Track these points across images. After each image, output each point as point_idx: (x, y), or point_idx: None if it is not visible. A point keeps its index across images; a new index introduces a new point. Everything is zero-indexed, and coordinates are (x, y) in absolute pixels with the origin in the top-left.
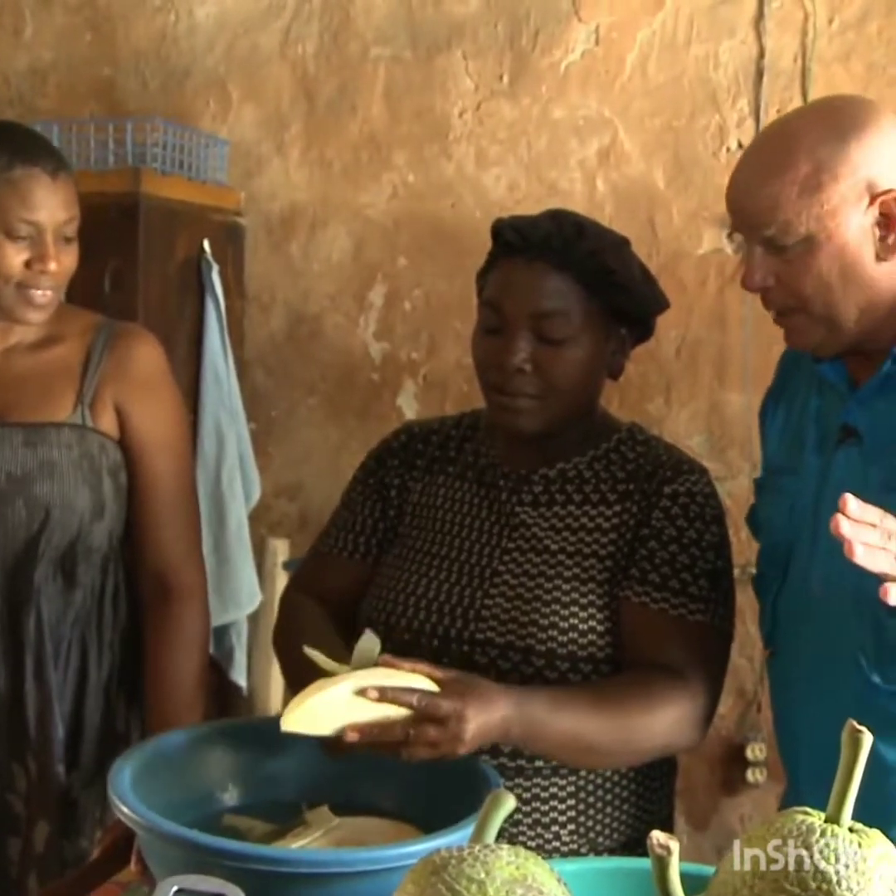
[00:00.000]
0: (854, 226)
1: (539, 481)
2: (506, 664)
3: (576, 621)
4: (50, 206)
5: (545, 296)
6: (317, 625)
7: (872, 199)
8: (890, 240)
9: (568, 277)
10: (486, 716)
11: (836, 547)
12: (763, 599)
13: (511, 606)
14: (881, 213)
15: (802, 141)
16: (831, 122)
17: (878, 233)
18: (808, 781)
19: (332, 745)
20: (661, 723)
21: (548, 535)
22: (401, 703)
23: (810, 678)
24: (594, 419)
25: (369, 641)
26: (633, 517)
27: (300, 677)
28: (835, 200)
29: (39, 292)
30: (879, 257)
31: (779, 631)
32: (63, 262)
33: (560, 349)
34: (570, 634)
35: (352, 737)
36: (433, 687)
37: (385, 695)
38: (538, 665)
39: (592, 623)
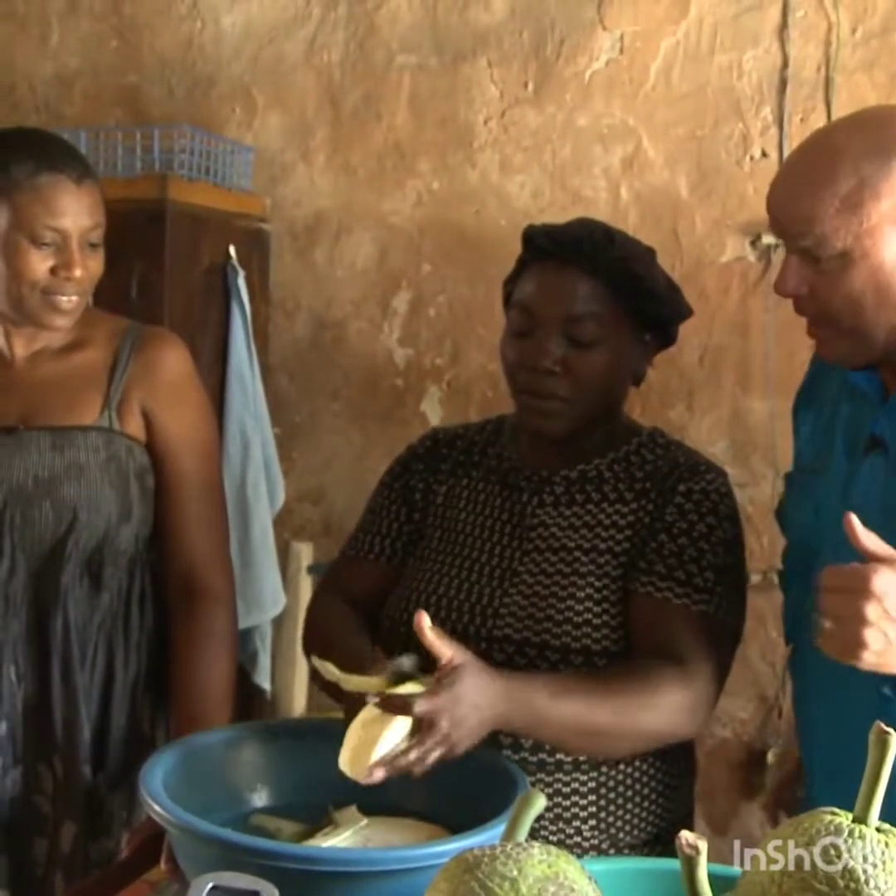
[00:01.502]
0: (892, 246)
1: (560, 483)
2: (522, 660)
3: (590, 616)
4: (75, 212)
5: (576, 299)
6: (345, 625)
7: None
8: None
9: (598, 283)
10: (468, 708)
11: (858, 557)
12: (786, 594)
13: (528, 603)
14: None
15: (847, 155)
16: (879, 138)
17: None
18: (821, 775)
19: None
20: (661, 707)
21: (566, 534)
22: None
23: (829, 677)
24: (617, 423)
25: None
26: (648, 515)
27: (330, 682)
28: (874, 219)
29: (64, 298)
30: None
31: (799, 628)
32: (88, 268)
33: (589, 352)
34: (584, 629)
35: (379, 776)
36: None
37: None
38: (553, 660)
39: (606, 617)
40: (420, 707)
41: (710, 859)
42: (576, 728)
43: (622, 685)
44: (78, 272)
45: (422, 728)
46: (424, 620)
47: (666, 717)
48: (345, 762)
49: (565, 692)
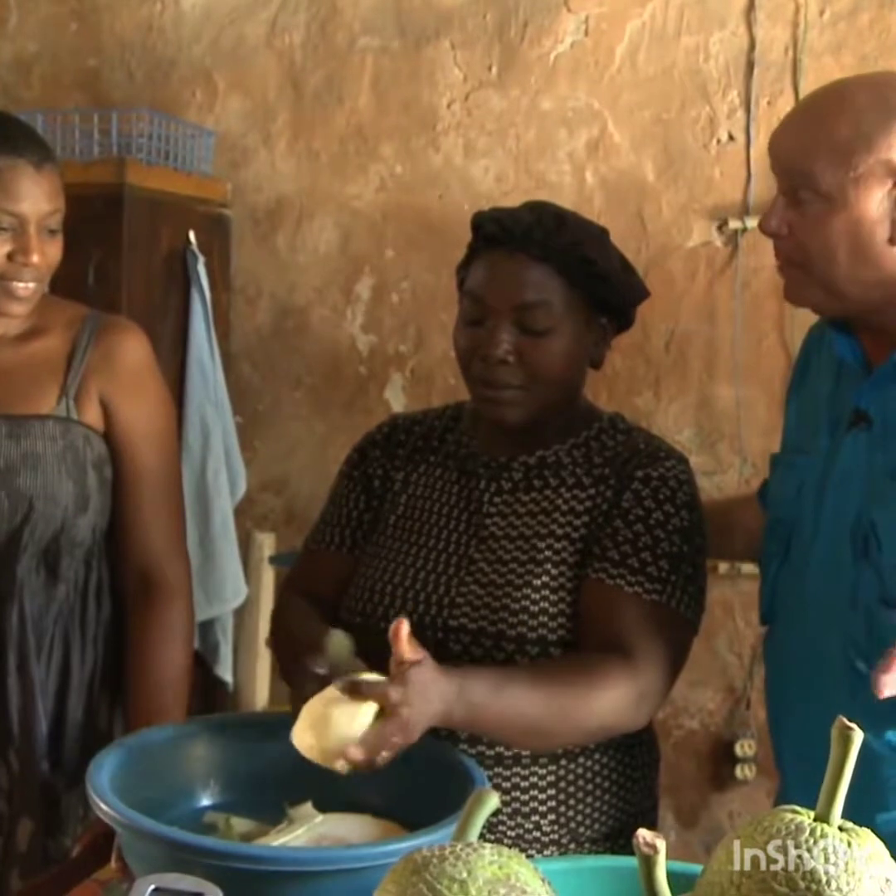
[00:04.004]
0: (874, 202)
1: (518, 468)
2: (478, 650)
3: (547, 605)
4: (33, 197)
5: (527, 287)
6: (307, 622)
7: None
8: None
9: (549, 268)
10: (429, 698)
11: (838, 533)
12: (763, 573)
13: (484, 592)
14: None
15: (851, 102)
16: (885, 96)
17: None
18: (791, 760)
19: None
20: (602, 701)
21: (523, 521)
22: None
23: (801, 660)
24: (576, 409)
25: (337, 636)
26: (606, 501)
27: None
28: (861, 170)
29: (22, 285)
30: (893, 241)
31: (776, 608)
32: (47, 254)
33: (542, 340)
34: (541, 618)
35: (356, 755)
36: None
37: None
38: (509, 650)
39: (562, 606)
40: (395, 695)
41: (679, 853)
42: (515, 723)
43: (564, 679)
44: (35, 258)
45: (386, 715)
46: (404, 629)
47: (609, 710)
48: (306, 745)
49: (503, 686)
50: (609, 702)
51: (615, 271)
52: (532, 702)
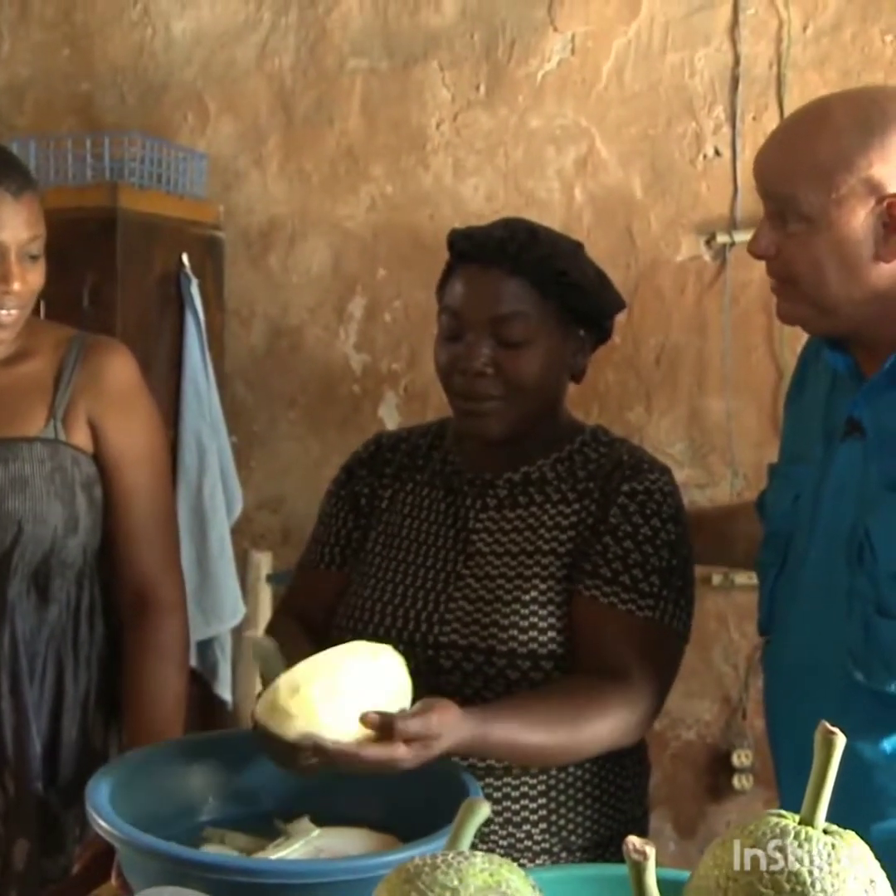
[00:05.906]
0: (857, 221)
1: (503, 485)
2: (469, 666)
3: (536, 620)
4: (13, 225)
5: (501, 300)
6: (294, 645)
7: (881, 198)
8: (892, 242)
9: (523, 281)
10: (456, 734)
11: (832, 542)
12: (761, 584)
13: (473, 608)
14: (889, 215)
15: (833, 124)
16: (864, 113)
17: (881, 233)
18: (787, 772)
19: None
20: (607, 727)
21: (509, 538)
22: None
23: (796, 669)
24: (558, 422)
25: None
26: (591, 515)
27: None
28: (843, 191)
29: (4, 312)
30: (879, 257)
31: (774, 618)
32: (28, 280)
33: (519, 351)
34: (531, 633)
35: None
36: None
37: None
38: (500, 665)
39: (552, 620)
40: (414, 726)
41: (676, 863)
42: (522, 753)
43: (568, 710)
44: (16, 286)
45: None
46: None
47: (608, 734)
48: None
49: (506, 719)
50: (610, 727)
51: (589, 283)
52: (538, 732)
